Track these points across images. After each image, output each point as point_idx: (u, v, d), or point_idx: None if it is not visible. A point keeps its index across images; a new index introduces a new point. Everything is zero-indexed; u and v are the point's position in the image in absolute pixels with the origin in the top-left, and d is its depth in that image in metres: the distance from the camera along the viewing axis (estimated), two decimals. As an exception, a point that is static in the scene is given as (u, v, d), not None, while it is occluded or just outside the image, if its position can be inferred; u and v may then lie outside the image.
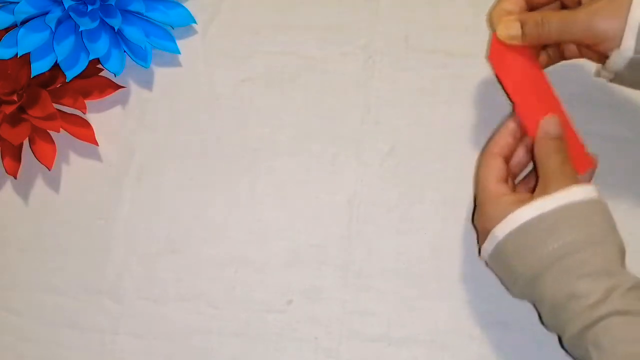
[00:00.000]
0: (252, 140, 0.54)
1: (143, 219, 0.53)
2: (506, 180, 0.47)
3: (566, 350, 0.43)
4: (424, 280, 0.51)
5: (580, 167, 0.46)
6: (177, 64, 0.57)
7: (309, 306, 0.51)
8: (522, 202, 0.43)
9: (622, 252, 0.43)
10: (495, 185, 0.46)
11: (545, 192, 0.43)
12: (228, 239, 0.52)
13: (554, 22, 0.45)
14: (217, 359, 0.50)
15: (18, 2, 0.51)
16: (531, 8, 0.48)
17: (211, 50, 0.57)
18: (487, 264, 0.47)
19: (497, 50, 0.48)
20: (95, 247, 0.53)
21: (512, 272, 0.44)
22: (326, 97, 0.55)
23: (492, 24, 0.48)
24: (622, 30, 0.43)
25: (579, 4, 0.46)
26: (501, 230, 0.43)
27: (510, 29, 0.46)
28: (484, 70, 0.55)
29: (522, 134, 0.48)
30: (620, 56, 0.44)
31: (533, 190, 0.46)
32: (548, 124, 0.46)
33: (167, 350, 0.50)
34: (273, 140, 0.54)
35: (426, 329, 0.50)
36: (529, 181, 0.49)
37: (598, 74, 0.48)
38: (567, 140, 0.46)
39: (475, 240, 0.49)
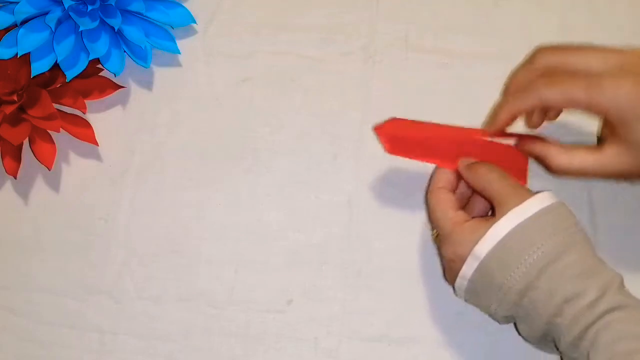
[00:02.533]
0: (252, 140, 0.54)
1: (143, 219, 0.53)
2: (461, 209, 0.47)
3: (560, 355, 0.43)
4: (424, 280, 0.51)
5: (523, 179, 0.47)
6: (177, 64, 0.57)
7: (309, 306, 0.51)
8: (487, 220, 0.43)
9: (593, 247, 0.43)
10: (455, 214, 0.46)
11: (506, 208, 0.43)
12: (228, 239, 0.52)
13: (564, 165, 0.44)
14: (217, 359, 0.50)
15: (18, 2, 0.51)
16: (546, 109, 0.47)
17: (211, 50, 0.57)
18: (465, 298, 0.46)
19: (388, 140, 0.48)
20: (95, 247, 0.53)
21: (499, 289, 0.43)
22: (326, 97, 0.55)
23: (494, 123, 0.46)
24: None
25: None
26: (481, 249, 0.43)
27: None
28: (484, 70, 0.55)
29: None
30: None
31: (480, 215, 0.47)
32: (463, 165, 0.47)
33: (167, 350, 0.50)
34: (273, 140, 0.54)
35: (426, 329, 0.50)
36: (471, 210, 0.49)
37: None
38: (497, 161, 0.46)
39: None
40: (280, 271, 0.51)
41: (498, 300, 0.43)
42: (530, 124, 0.48)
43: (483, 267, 0.43)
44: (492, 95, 0.54)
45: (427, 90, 0.55)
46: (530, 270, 0.41)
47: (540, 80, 0.43)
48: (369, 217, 0.52)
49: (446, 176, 0.48)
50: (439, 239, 0.47)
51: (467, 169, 0.47)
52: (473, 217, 0.46)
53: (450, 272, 0.46)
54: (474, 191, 0.48)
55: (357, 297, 0.51)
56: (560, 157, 0.44)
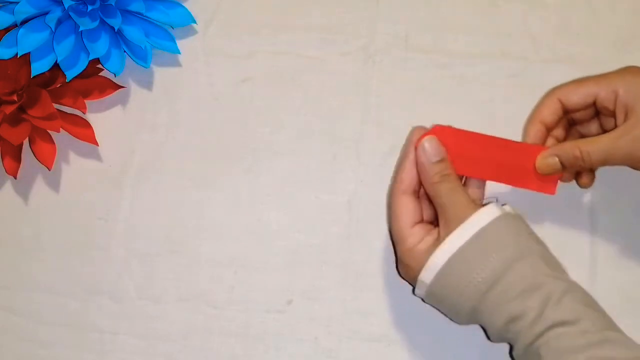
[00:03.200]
0: (252, 140, 0.54)
1: (143, 219, 0.53)
2: (421, 218, 0.46)
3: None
4: (424, 280, 0.51)
5: (546, 183, 0.47)
6: (177, 64, 0.57)
7: (309, 306, 0.51)
8: (434, 243, 0.44)
9: (544, 258, 0.43)
10: (408, 233, 0.45)
11: (448, 227, 0.44)
12: (228, 239, 0.52)
13: (594, 153, 0.45)
14: (217, 359, 0.50)
15: (18, 2, 0.51)
16: (566, 112, 0.48)
17: (211, 50, 0.57)
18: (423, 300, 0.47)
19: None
20: (95, 247, 0.53)
21: (449, 309, 0.45)
22: (326, 97, 0.55)
23: (526, 132, 0.49)
24: None
25: (614, 114, 0.46)
26: (426, 277, 0.44)
27: (549, 164, 0.47)
28: (484, 70, 0.55)
29: None
30: None
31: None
32: (425, 152, 0.45)
33: (167, 350, 0.50)
34: (273, 140, 0.54)
35: (426, 329, 0.50)
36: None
37: None
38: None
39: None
40: (280, 271, 0.51)
41: (454, 315, 0.45)
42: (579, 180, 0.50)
43: (430, 292, 0.45)
44: (492, 95, 0.54)
45: (427, 90, 0.55)
46: (472, 296, 0.42)
47: (555, 87, 0.48)
48: (369, 217, 0.52)
49: (410, 175, 0.46)
50: (396, 256, 0.48)
51: (422, 153, 0.46)
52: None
53: (408, 281, 0.48)
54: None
55: (357, 297, 0.51)
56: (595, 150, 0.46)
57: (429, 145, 0.45)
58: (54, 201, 0.54)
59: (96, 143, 0.54)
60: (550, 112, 0.48)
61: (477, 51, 0.55)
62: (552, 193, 0.48)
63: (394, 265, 0.51)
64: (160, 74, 0.57)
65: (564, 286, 0.41)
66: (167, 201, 0.53)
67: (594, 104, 0.47)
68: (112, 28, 0.53)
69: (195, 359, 0.50)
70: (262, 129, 0.55)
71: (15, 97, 0.52)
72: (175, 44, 0.55)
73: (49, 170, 0.53)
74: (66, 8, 0.51)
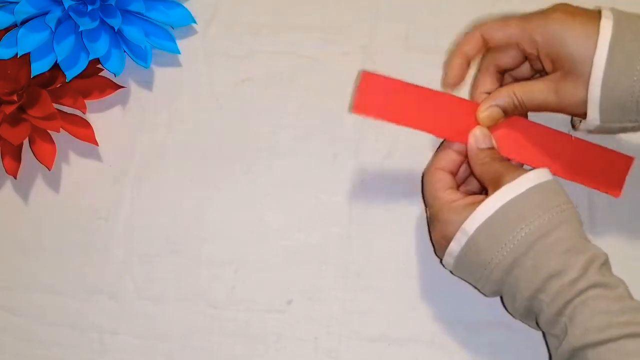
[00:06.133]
0: (252, 140, 0.54)
1: (143, 219, 0.53)
2: (456, 189, 0.47)
3: (542, 331, 0.44)
4: (424, 280, 0.51)
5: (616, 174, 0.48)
6: (177, 64, 0.57)
7: (309, 306, 0.51)
8: (478, 201, 0.44)
9: (582, 225, 0.44)
10: (444, 193, 0.46)
11: (499, 185, 0.44)
12: (228, 239, 0.52)
13: (528, 102, 0.47)
14: (217, 359, 0.50)
15: (18, 2, 0.51)
16: (488, 48, 0.49)
17: (211, 50, 0.57)
18: (452, 271, 0.47)
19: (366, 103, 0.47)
20: (95, 247, 0.53)
21: (485, 266, 0.44)
22: (326, 97, 0.55)
23: (449, 65, 0.49)
24: (585, 104, 0.44)
25: (539, 59, 0.47)
26: (470, 225, 0.43)
27: (491, 115, 0.47)
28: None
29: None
30: (588, 125, 0.46)
31: (477, 192, 0.48)
32: (476, 138, 0.47)
33: (167, 350, 0.50)
34: (273, 140, 0.54)
35: (426, 329, 0.50)
36: (471, 187, 0.49)
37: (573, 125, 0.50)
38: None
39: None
40: (280, 271, 0.51)
41: (485, 277, 0.44)
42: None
43: (471, 243, 0.44)
44: (492, 95, 0.54)
45: (427, 90, 0.55)
46: (518, 247, 0.42)
47: (482, 23, 0.49)
48: (369, 217, 0.52)
49: (449, 158, 0.48)
50: (430, 218, 0.48)
51: (475, 146, 0.47)
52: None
53: (438, 251, 0.47)
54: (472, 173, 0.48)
55: (357, 297, 0.51)
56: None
57: (480, 133, 0.47)
58: (54, 201, 0.54)
59: (96, 143, 0.54)
60: (472, 47, 0.48)
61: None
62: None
63: (394, 265, 0.51)
64: (160, 74, 0.57)
65: (606, 255, 0.42)
66: (167, 201, 0.53)
67: (517, 46, 0.47)
68: (112, 28, 0.53)
69: (195, 359, 0.50)
70: (262, 129, 0.55)
71: (15, 97, 0.52)
72: (175, 44, 0.55)
73: (49, 170, 0.53)
74: (66, 8, 0.51)
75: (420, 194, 0.52)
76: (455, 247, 0.45)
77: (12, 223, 0.54)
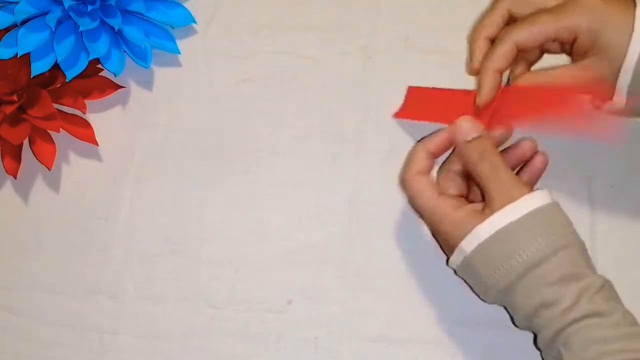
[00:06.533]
0: (252, 140, 0.54)
1: (143, 219, 0.53)
2: (441, 192, 0.47)
3: (539, 349, 0.44)
4: (424, 280, 0.51)
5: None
6: (177, 64, 0.57)
7: (309, 306, 0.51)
8: (476, 213, 0.44)
9: (584, 251, 0.43)
10: (439, 202, 0.45)
11: (494, 203, 0.43)
12: (228, 239, 0.52)
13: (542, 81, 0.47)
14: (217, 359, 0.50)
15: (18, 2, 0.51)
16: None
17: (211, 50, 0.57)
18: (455, 272, 0.47)
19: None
20: (95, 247, 0.53)
21: (482, 283, 0.44)
22: (326, 97, 0.55)
23: (483, 90, 0.48)
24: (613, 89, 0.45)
25: (564, 48, 0.47)
26: (467, 245, 0.43)
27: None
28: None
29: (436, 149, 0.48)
30: (612, 106, 0.45)
31: (464, 189, 0.48)
32: (461, 129, 0.46)
33: (167, 350, 0.50)
34: (273, 140, 0.54)
35: (426, 329, 0.50)
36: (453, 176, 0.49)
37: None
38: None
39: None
40: (280, 271, 0.51)
41: (482, 292, 0.45)
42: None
43: (468, 262, 0.44)
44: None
45: (427, 90, 0.55)
46: (510, 274, 0.42)
47: (508, 28, 0.47)
48: (369, 217, 0.52)
49: (422, 159, 0.47)
50: (430, 228, 0.48)
51: (463, 138, 0.46)
52: (459, 195, 0.47)
53: (443, 250, 0.48)
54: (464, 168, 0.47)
55: (357, 297, 0.51)
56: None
57: (465, 123, 0.46)
58: (54, 201, 0.54)
59: (96, 143, 0.54)
60: (508, 61, 0.47)
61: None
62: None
63: (394, 265, 0.51)
64: (160, 74, 0.57)
65: (601, 280, 0.42)
66: (167, 201, 0.53)
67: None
68: (112, 28, 0.53)
69: (195, 359, 0.50)
70: (262, 129, 0.55)
71: (15, 97, 0.52)
72: (175, 44, 0.55)
73: (49, 170, 0.53)
74: (66, 8, 0.51)
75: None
76: (455, 259, 0.45)
77: (12, 223, 0.54)
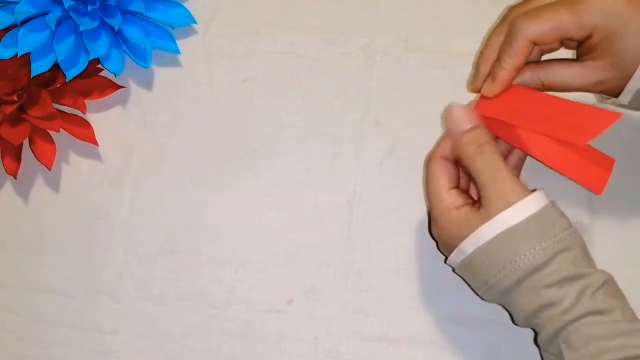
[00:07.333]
0: (252, 140, 0.54)
1: (143, 219, 0.53)
2: (458, 185, 0.46)
3: (539, 347, 0.44)
4: (424, 280, 0.51)
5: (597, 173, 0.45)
6: (177, 64, 0.57)
7: (309, 306, 0.51)
8: (477, 215, 0.43)
9: (584, 249, 0.43)
10: (447, 194, 0.45)
11: (491, 205, 0.43)
12: (228, 239, 0.52)
13: (555, 87, 0.45)
14: (217, 359, 0.50)
15: (18, 2, 0.51)
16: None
17: (211, 50, 0.57)
18: (453, 269, 0.47)
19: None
20: (95, 247, 0.53)
21: (482, 283, 0.44)
22: (326, 97, 0.55)
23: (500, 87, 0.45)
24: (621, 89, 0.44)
25: (573, 44, 0.45)
26: (468, 246, 0.43)
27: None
28: (484, 70, 0.55)
29: None
30: (615, 101, 0.45)
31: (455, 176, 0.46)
32: (454, 116, 0.45)
33: (167, 350, 0.50)
34: (273, 140, 0.54)
35: (426, 329, 0.50)
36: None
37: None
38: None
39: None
40: (280, 271, 0.51)
41: (482, 290, 0.45)
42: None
43: (468, 262, 0.44)
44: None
45: (427, 90, 0.55)
46: (511, 277, 0.42)
47: (520, 20, 0.43)
48: (369, 217, 0.52)
49: (450, 145, 0.46)
50: (430, 216, 0.47)
51: (458, 130, 0.45)
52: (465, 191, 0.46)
53: (440, 248, 0.48)
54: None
55: (357, 297, 0.51)
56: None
57: (458, 111, 0.45)
58: (54, 201, 0.54)
59: (96, 143, 0.54)
60: (524, 57, 0.44)
61: (477, 51, 0.55)
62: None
63: (394, 265, 0.51)
64: (160, 74, 0.57)
65: (603, 278, 0.42)
66: (167, 201, 0.53)
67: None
68: (112, 28, 0.53)
69: (195, 359, 0.50)
70: (262, 129, 0.55)
71: (15, 97, 0.52)
72: (176, 44, 0.55)
73: (49, 170, 0.53)
74: (66, 8, 0.51)
75: (420, 194, 0.52)
76: (455, 258, 0.45)
77: (12, 223, 0.54)
